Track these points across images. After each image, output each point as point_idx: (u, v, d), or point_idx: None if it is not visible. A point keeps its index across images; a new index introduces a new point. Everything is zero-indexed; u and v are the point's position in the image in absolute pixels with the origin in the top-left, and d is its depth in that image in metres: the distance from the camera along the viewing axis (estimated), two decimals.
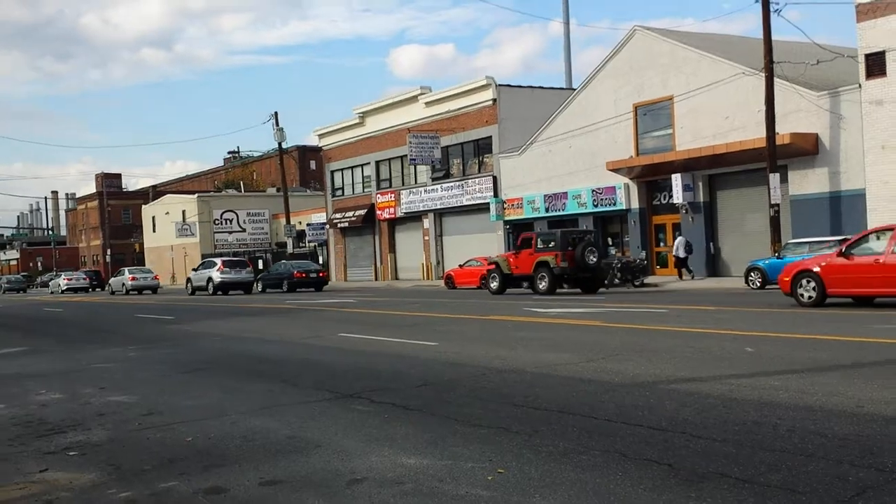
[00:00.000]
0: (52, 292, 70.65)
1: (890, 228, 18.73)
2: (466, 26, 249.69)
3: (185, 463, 6.62)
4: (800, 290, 19.73)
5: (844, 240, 26.98)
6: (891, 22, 29.12)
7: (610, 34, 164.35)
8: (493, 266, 33.24)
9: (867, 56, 29.80)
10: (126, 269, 59.11)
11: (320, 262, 64.30)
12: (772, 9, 30.14)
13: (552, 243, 31.30)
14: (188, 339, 17.69)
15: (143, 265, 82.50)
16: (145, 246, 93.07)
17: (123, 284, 55.76)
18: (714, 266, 35.91)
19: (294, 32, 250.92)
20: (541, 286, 30.47)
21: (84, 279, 71.31)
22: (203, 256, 75.89)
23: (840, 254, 19.37)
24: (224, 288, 45.56)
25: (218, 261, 47.75)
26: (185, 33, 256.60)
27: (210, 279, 45.96)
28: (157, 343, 17.07)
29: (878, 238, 18.93)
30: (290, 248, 62.22)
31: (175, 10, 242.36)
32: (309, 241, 66.46)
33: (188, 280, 49.80)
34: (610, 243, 41.23)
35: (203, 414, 8.62)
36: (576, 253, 30.44)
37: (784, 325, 15.07)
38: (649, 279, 34.84)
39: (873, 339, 12.36)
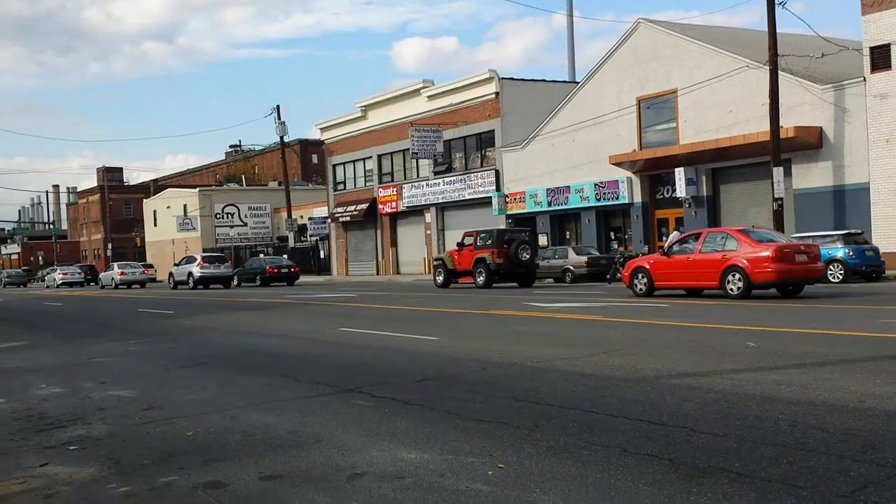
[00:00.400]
0: (47, 286, 71.11)
1: (699, 234, 23.37)
2: (469, 19, 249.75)
3: (184, 457, 6.60)
4: (635, 283, 23.99)
5: (849, 233, 27.00)
6: None
7: (614, 27, 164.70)
8: (439, 262, 35.84)
9: (872, 49, 29.74)
10: (115, 265, 60.57)
11: (322, 256, 64.36)
12: (776, 1, 30.06)
13: (490, 241, 33.68)
14: (188, 334, 17.67)
15: (145, 259, 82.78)
16: (146, 240, 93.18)
17: (113, 279, 57.14)
18: None
19: (297, 25, 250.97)
20: (479, 280, 33.09)
21: (79, 273, 72.04)
22: (204, 250, 76.07)
23: (663, 253, 23.99)
24: (204, 282, 47.48)
25: (198, 256, 50.28)
26: (187, 26, 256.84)
27: (190, 274, 48.04)
28: (157, 337, 17.05)
29: (694, 240, 23.05)
30: (291, 243, 62.24)
31: (177, 2, 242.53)
32: (310, 236, 66.52)
33: (170, 275, 51.62)
34: (613, 237, 41.22)
35: (203, 408, 8.60)
36: (510, 250, 32.92)
37: (786, 320, 15.03)
38: None
39: (875, 334, 12.33)
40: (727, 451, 6.02)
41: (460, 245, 35.36)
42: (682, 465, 5.71)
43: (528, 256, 33.25)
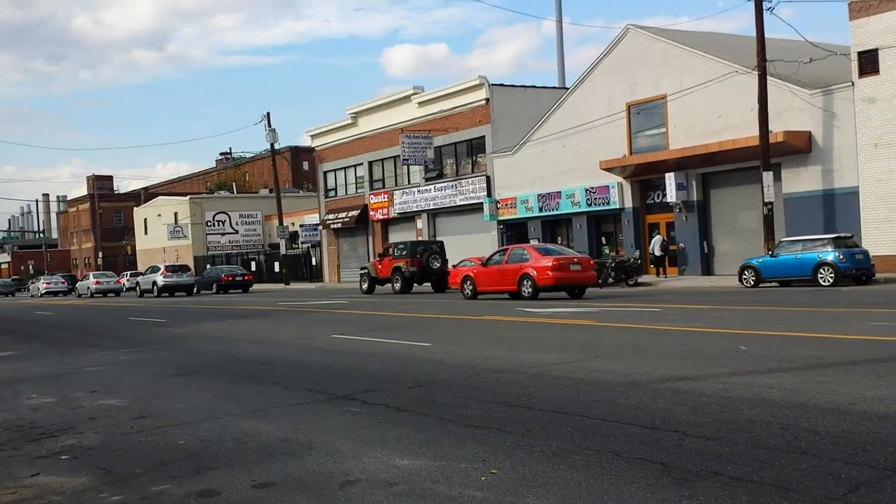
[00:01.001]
0: (31, 296, 72.48)
1: (506, 249, 29.29)
2: (459, 25, 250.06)
3: (176, 466, 6.59)
4: (464, 288, 29.32)
5: (839, 237, 27.09)
6: (883, 20, 29.19)
7: (603, 33, 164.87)
8: (364, 270, 40.08)
9: (860, 54, 29.87)
10: (91, 274, 63.85)
11: (313, 262, 64.33)
12: (764, 7, 30.20)
13: (405, 252, 37.72)
14: (179, 342, 17.64)
15: (136, 268, 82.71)
16: (137, 248, 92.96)
17: (88, 288, 59.60)
18: (708, 264, 35.96)
19: (287, 32, 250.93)
20: (395, 286, 36.59)
21: (62, 283, 73.43)
22: (195, 259, 76.17)
23: (482, 264, 29.42)
24: (168, 290, 50.29)
25: (161, 266, 53.66)
26: (177, 33, 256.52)
27: (154, 282, 50.99)
28: (149, 346, 17.01)
29: (502, 255, 28.75)
30: (283, 250, 62.14)
31: (167, 10, 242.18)
32: (302, 243, 66.44)
33: (137, 284, 55.11)
34: (604, 242, 41.28)
35: (195, 417, 8.58)
36: (422, 260, 37.17)
37: (778, 324, 15.07)
38: (643, 278, 34.86)
39: (866, 337, 12.37)
40: (719, 454, 6.03)
41: (381, 255, 39.75)
42: (675, 468, 5.72)
43: (438, 265, 37.30)
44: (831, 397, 7.89)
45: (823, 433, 6.53)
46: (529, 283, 26.68)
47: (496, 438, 6.86)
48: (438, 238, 50.94)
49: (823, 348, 11.35)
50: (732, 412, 7.44)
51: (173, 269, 52.24)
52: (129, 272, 72.52)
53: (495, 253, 30.20)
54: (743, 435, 6.57)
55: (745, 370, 9.68)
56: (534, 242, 35.81)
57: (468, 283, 29.25)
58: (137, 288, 53.98)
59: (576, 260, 27.45)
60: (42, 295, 68.74)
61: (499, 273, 28.12)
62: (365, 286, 39.00)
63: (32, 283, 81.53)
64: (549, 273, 26.23)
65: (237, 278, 53.10)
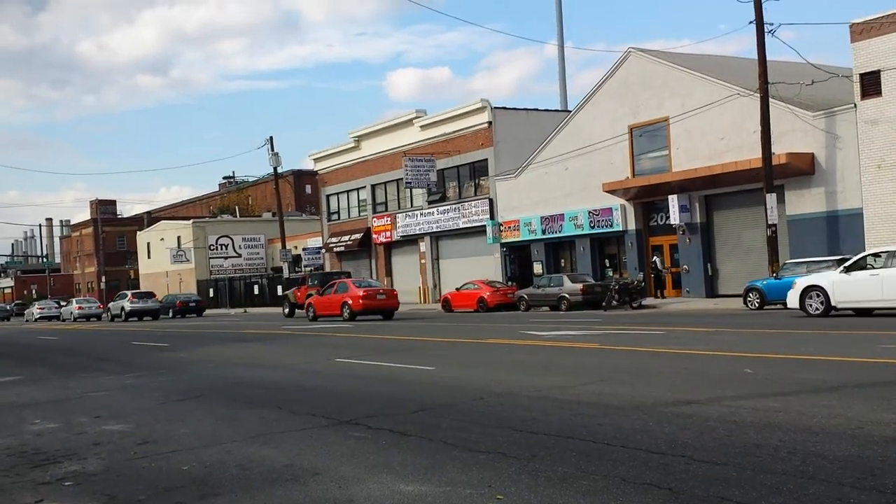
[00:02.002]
0: (26, 320, 74.38)
1: (335, 283, 37.47)
2: (462, 49, 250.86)
3: (181, 492, 6.55)
4: (308, 311, 37.64)
5: (843, 259, 27.05)
6: (885, 42, 29.25)
7: (605, 56, 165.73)
8: (284, 297, 45.04)
9: (862, 76, 29.91)
10: (74, 300, 69.73)
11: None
12: (766, 29, 30.26)
13: (316, 282, 43.35)
14: (182, 367, 17.60)
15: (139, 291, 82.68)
16: (140, 272, 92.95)
17: (72, 313, 62.99)
18: (712, 286, 35.89)
19: (290, 56, 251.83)
20: (309, 313, 38.34)
21: (55, 307, 74.90)
22: (198, 282, 76.24)
23: (319, 294, 37.80)
24: (134, 314, 54.61)
25: (128, 293, 58.18)
26: (180, 58, 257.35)
27: (122, 308, 55.22)
28: (152, 370, 16.97)
29: (332, 288, 36.92)
30: (286, 273, 62.14)
31: (171, 35, 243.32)
32: (305, 266, 66.35)
33: (108, 309, 59.77)
34: (607, 265, 41.24)
35: (199, 442, 8.54)
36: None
37: (783, 346, 15.02)
38: (647, 300, 34.80)
39: (871, 360, 12.32)
40: (727, 479, 5.99)
41: (300, 284, 45.18)
42: (682, 494, 5.68)
43: None
44: (838, 421, 7.85)
45: (831, 457, 6.49)
46: (347, 308, 34.85)
47: (501, 463, 6.82)
48: (441, 260, 51.08)
49: (829, 371, 11.30)
50: (739, 436, 7.39)
51: (139, 296, 57.42)
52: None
53: (327, 286, 38.09)
54: (750, 459, 6.53)
55: (750, 393, 9.63)
56: (355, 278, 41.77)
57: (311, 308, 37.58)
58: (108, 313, 58.62)
59: (381, 291, 36.80)
60: (37, 319, 70.51)
61: (328, 301, 36.26)
62: (286, 311, 43.50)
63: (28, 308, 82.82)
64: (361, 301, 34.44)
65: (190, 304, 59.15)
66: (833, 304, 22.30)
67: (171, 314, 57.39)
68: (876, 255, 22.44)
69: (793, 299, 23.42)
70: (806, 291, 23.01)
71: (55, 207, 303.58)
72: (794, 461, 6.41)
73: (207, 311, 62.63)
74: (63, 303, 76.59)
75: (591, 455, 6.95)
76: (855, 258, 22.92)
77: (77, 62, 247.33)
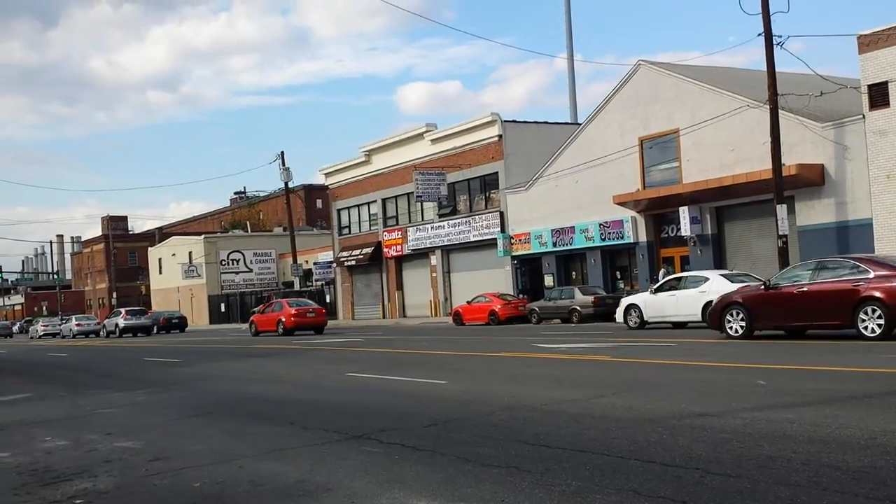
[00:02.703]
0: (31, 337, 76.08)
1: (273, 303, 44.45)
2: (472, 63, 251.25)
3: None
4: (251, 328, 44.18)
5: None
6: (893, 53, 29.19)
7: (615, 69, 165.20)
8: (251, 319, 47.11)
9: (870, 87, 29.86)
10: (73, 317, 71.44)
11: (327, 300, 64.37)
12: (775, 42, 30.23)
13: (282, 299, 48.45)
14: (193, 382, 17.59)
15: (150, 307, 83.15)
16: (152, 288, 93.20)
17: (71, 329, 66.27)
18: None
19: (300, 72, 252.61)
20: (279, 330, 41.23)
21: (59, 324, 76.44)
22: (209, 297, 76.50)
23: (260, 312, 44.16)
24: (128, 330, 57.62)
25: (122, 310, 61.80)
26: (191, 75, 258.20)
27: (117, 324, 58.46)
28: (163, 386, 16.98)
29: (270, 307, 43.65)
30: (297, 287, 62.26)
31: (181, 52, 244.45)
32: (316, 280, 66.51)
33: (103, 326, 62.59)
34: (618, 277, 41.16)
35: (210, 458, 8.53)
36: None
37: (795, 358, 14.96)
38: None
39: (881, 370, 12.26)
40: (741, 492, 5.95)
41: (266, 303, 49.42)
42: None
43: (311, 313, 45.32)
44: (851, 431, 7.81)
45: (844, 468, 6.45)
46: (281, 324, 40.64)
47: (514, 478, 6.79)
48: (452, 274, 51.10)
49: (841, 382, 11.25)
50: (753, 448, 7.35)
51: (132, 313, 60.71)
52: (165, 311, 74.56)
53: (267, 305, 45.04)
54: (764, 471, 6.49)
55: (763, 405, 9.58)
56: (290, 299, 46.34)
57: (252, 325, 43.77)
58: (104, 329, 61.71)
59: (311, 310, 41.82)
60: (41, 336, 72.26)
61: (267, 318, 42.39)
62: (252, 330, 44.63)
63: (31, 325, 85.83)
64: (293, 318, 40.32)
65: (174, 320, 62.79)
66: (645, 318, 27.45)
67: (155, 330, 60.06)
68: (676, 279, 27.94)
69: (618, 314, 28.89)
70: (627, 309, 28.29)
71: (66, 224, 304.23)
72: (807, 472, 6.38)
73: (218, 327, 65.48)
74: (59, 321, 78.54)
75: (605, 468, 6.92)
76: (658, 283, 28.45)
77: (88, 79, 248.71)
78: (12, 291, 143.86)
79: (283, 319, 40.42)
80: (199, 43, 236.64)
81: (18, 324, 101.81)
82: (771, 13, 30.06)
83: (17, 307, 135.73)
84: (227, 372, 19.95)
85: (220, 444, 9.43)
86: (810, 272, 19.57)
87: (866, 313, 17.89)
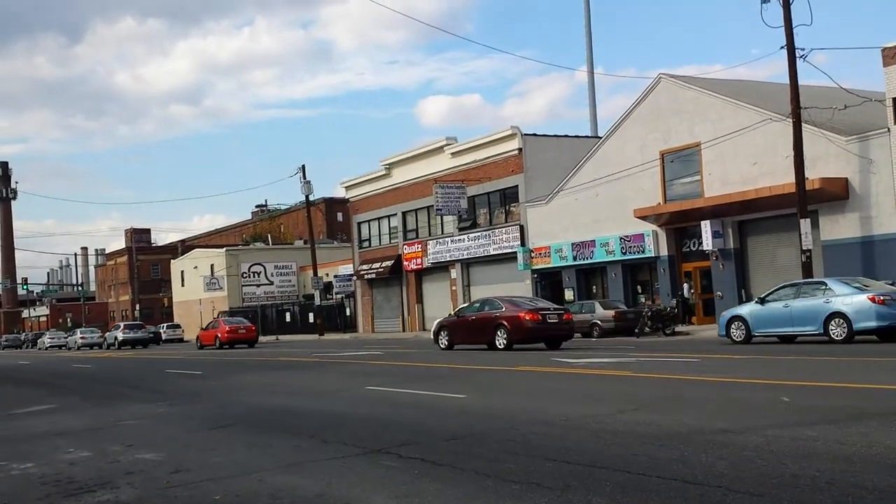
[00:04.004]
0: (38, 349, 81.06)
1: (215, 320, 53.60)
2: (492, 76, 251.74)
3: None
4: (198, 342, 51.10)
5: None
6: None
7: (636, 82, 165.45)
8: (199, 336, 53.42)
9: (894, 100, 29.66)
10: (78, 330, 77.36)
11: (347, 313, 64.53)
12: (798, 54, 30.13)
13: (220, 318, 55.89)
14: (214, 394, 17.63)
15: (172, 320, 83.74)
16: (174, 300, 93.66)
17: (76, 342, 71.00)
18: None
19: (322, 85, 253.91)
20: (216, 344, 47.59)
21: (64, 337, 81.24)
22: (230, 310, 76.95)
23: (204, 328, 51.30)
24: (126, 343, 61.87)
25: (122, 325, 68.61)
26: (214, 88, 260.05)
27: (116, 337, 63.49)
28: (185, 398, 17.02)
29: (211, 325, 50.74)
30: (317, 301, 62.38)
31: (204, 66, 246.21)
32: (336, 293, 66.63)
33: (104, 338, 68.18)
34: (639, 291, 41.00)
35: (231, 471, 8.54)
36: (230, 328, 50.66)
37: (818, 374, 14.83)
38: (681, 327, 34.53)
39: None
40: None
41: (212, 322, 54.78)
42: None
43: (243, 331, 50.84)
44: (877, 450, 7.72)
45: (870, 487, 6.37)
46: (217, 339, 47.44)
47: (534, 494, 6.75)
48: (472, 287, 51.07)
49: (866, 399, 11.14)
50: (776, 466, 7.28)
51: (131, 327, 66.13)
52: (164, 324, 75.84)
53: (209, 323, 53.18)
54: (788, 491, 6.42)
55: (787, 422, 9.49)
56: (226, 318, 54.42)
57: (198, 339, 51.29)
58: (105, 342, 66.92)
59: (242, 327, 48.79)
60: (47, 348, 77.47)
61: (208, 334, 49.52)
62: (198, 344, 50.71)
63: (38, 338, 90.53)
64: (227, 334, 47.34)
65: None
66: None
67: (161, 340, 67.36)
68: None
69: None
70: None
71: (90, 236, 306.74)
72: (832, 492, 6.30)
73: None
74: (64, 334, 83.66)
75: (626, 485, 6.87)
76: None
77: (112, 93, 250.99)
78: (38, 303, 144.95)
79: (220, 335, 47.47)
80: (222, 57, 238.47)
81: (24, 335, 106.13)
82: (794, 26, 30.01)
83: (43, 319, 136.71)
84: (248, 384, 19.98)
85: (240, 456, 9.43)
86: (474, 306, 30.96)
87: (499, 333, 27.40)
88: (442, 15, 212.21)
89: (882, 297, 22.47)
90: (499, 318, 27.71)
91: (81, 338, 70.56)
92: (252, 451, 9.71)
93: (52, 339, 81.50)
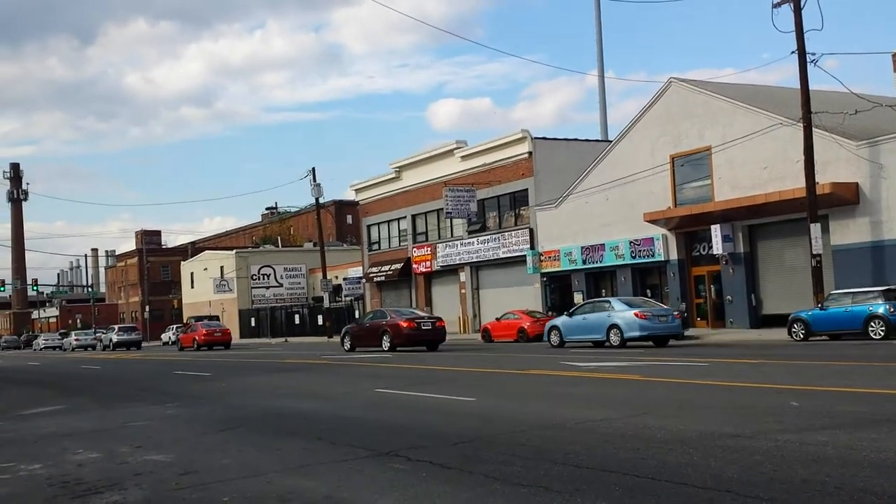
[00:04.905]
0: (33, 350, 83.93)
1: (188, 325, 58.11)
2: (503, 79, 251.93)
3: None
4: (179, 344, 56.09)
5: (890, 289, 26.62)
6: None
7: (646, 86, 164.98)
8: (178, 337, 57.31)
9: None
10: (73, 333, 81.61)
11: (357, 316, 64.52)
12: (808, 59, 30.06)
13: (196, 322, 59.38)
14: (223, 396, 17.66)
15: (182, 321, 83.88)
16: (184, 302, 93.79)
17: (71, 343, 74.82)
18: (756, 317, 35.43)
19: (332, 88, 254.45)
20: (195, 346, 51.36)
21: (58, 338, 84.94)
22: (240, 312, 77.10)
23: (184, 332, 56.79)
24: (120, 345, 64.75)
25: (115, 327, 70.26)
26: (225, 91, 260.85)
27: (111, 339, 66.20)
28: (193, 400, 17.05)
29: (192, 329, 55.40)
30: (326, 303, 62.41)
31: (215, 68, 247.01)
32: (345, 296, 66.63)
33: (99, 340, 71.12)
34: (649, 295, 40.90)
35: (239, 473, 8.54)
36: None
37: (828, 378, 14.77)
38: (690, 331, 34.41)
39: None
40: None
41: (186, 326, 59.90)
42: None
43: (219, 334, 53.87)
44: (886, 455, 7.69)
45: (880, 493, 6.35)
46: (195, 342, 51.24)
47: (543, 498, 6.74)
48: (481, 290, 51.05)
49: (876, 404, 11.09)
50: (786, 471, 7.25)
51: (124, 329, 68.64)
52: (174, 325, 75.37)
53: (188, 326, 56.61)
54: (797, 496, 6.40)
55: (796, 427, 9.46)
56: (203, 322, 58.40)
57: (179, 342, 55.09)
58: (100, 343, 69.66)
59: (218, 330, 52.78)
60: (42, 349, 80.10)
61: (188, 336, 53.08)
62: (179, 346, 54.80)
63: (34, 339, 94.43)
64: (203, 336, 51.14)
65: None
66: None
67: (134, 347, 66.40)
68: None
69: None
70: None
71: (101, 238, 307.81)
72: (841, 497, 6.28)
73: (248, 341, 69.31)
74: (58, 336, 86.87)
75: (635, 490, 6.85)
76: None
77: (124, 95, 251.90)
78: (47, 304, 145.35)
79: (197, 338, 51.51)
80: (234, 60, 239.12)
81: (21, 336, 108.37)
82: (805, 30, 29.92)
83: (52, 320, 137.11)
84: (257, 386, 20.00)
85: (249, 458, 9.44)
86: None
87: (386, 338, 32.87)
88: (452, 19, 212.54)
89: (644, 313, 28.06)
90: (385, 325, 33.10)
91: (76, 339, 74.96)
92: (261, 453, 9.72)
93: (47, 340, 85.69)
